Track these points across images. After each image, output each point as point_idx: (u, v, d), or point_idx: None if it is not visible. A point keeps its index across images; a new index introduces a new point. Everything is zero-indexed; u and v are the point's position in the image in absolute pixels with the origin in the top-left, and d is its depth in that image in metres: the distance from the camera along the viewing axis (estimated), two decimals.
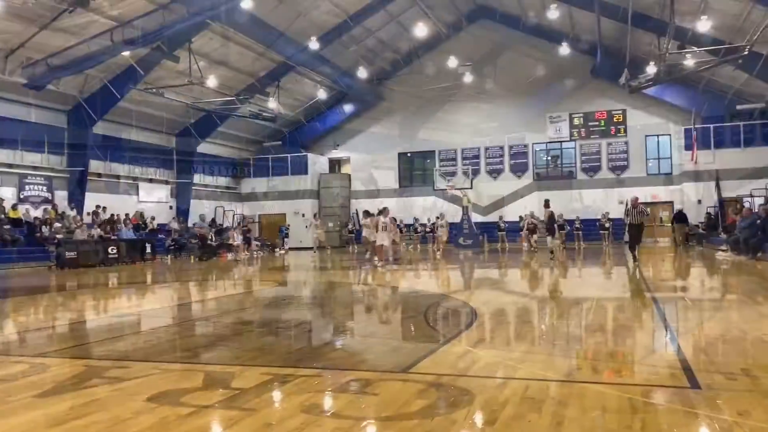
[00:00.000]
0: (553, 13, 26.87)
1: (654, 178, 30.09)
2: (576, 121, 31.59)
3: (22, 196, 22.56)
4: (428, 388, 3.87)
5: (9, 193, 22.15)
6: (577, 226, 28.16)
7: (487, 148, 32.93)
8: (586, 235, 28.20)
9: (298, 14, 25.79)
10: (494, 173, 32.66)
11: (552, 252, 17.82)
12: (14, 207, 21.76)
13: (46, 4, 19.37)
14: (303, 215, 33.28)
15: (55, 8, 19.86)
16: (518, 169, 32.42)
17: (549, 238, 18.82)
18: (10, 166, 22.35)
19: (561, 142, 31.91)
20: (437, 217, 22.25)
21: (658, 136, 30.35)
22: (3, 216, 20.74)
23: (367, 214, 18.54)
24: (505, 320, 6.98)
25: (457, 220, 29.78)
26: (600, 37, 24.43)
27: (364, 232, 17.77)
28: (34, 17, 19.96)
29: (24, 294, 10.57)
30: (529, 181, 31.88)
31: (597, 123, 31.22)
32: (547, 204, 18.38)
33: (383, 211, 16.76)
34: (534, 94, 31.43)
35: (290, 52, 26.77)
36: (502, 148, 32.67)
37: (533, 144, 32.23)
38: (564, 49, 29.33)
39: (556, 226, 18.85)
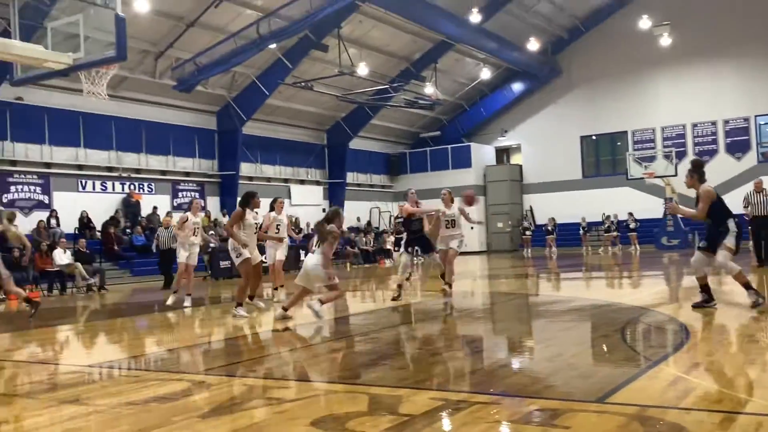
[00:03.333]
0: None
1: None
2: None
3: (175, 204, 24.99)
4: (631, 422, 3.70)
5: (163, 201, 24.62)
6: None
7: (694, 125, 30.81)
8: None
9: None
10: (705, 155, 30.40)
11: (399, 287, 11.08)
12: (168, 215, 24.14)
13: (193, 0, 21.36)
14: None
15: (202, 3, 21.84)
16: (737, 149, 29.94)
17: (400, 255, 12.30)
18: (164, 173, 24.88)
19: None
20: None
21: None
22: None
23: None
24: (726, 339, 6.48)
25: (659, 215, 28.21)
26: None
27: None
28: (181, 14, 22.11)
29: (180, 306, 11.69)
30: (752, 163, 29.34)
31: None
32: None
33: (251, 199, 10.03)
34: (756, 54, 28.86)
35: (448, 28, 26.98)
36: (714, 123, 30.39)
37: (756, 117, 29.62)
38: None
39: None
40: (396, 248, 13.29)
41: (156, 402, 4.73)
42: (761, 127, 29.68)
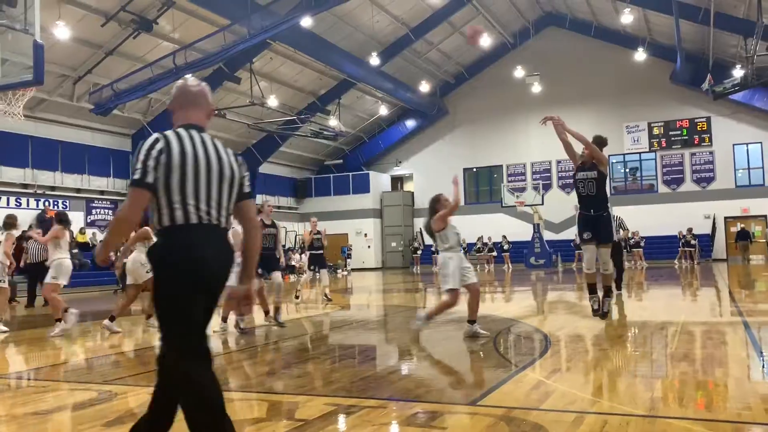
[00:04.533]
0: (627, 17, 26.31)
1: (744, 190, 28.83)
2: (655, 131, 30.69)
3: (89, 220, 23.74)
4: (498, 422, 3.81)
5: (77, 218, 23.33)
6: (634, 242, 25.40)
7: (558, 162, 32.39)
8: (657, 253, 27.38)
9: (359, 30, 26.27)
10: (567, 188, 32.04)
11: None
12: (82, 231, 22.92)
13: (112, 30, 20.56)
14: (365, 235, 33.55)
15: (121, 34, 21.06)
16: None
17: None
18: (78, 190, 23.63)
19: (639, 153, 31.07)
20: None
21: (747, 144, 29.11)
22: (71, 240, 21.86)
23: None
24: (582, 348, 6.80)
25: (528, 237, 29.36)
26: (679, 41, 23.73)
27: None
28: (100, 43, 21.20)
29: (91, 319, 11.08)
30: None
31: (678, 132, 30.25)
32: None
33: None
34: (608, 103, 30.81)
35: (351, 69, 27.26)
36: None
37: (609, 156, 31.50)
38: (640, 55, 28.65)
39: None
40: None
41: (62, 411, 4.45)
42: (613, 165, 31.58)
